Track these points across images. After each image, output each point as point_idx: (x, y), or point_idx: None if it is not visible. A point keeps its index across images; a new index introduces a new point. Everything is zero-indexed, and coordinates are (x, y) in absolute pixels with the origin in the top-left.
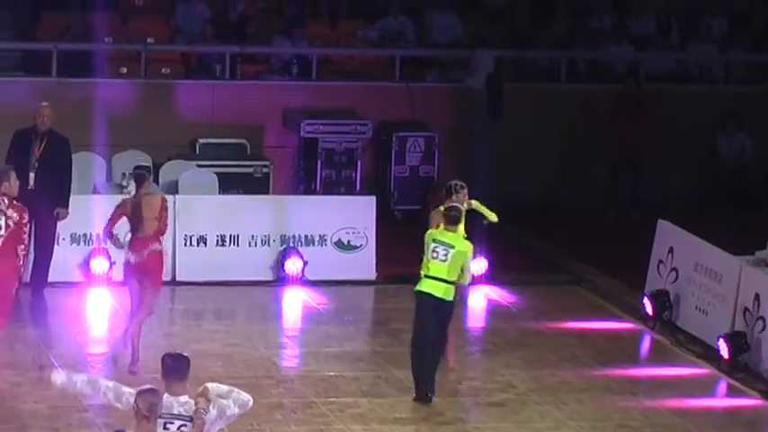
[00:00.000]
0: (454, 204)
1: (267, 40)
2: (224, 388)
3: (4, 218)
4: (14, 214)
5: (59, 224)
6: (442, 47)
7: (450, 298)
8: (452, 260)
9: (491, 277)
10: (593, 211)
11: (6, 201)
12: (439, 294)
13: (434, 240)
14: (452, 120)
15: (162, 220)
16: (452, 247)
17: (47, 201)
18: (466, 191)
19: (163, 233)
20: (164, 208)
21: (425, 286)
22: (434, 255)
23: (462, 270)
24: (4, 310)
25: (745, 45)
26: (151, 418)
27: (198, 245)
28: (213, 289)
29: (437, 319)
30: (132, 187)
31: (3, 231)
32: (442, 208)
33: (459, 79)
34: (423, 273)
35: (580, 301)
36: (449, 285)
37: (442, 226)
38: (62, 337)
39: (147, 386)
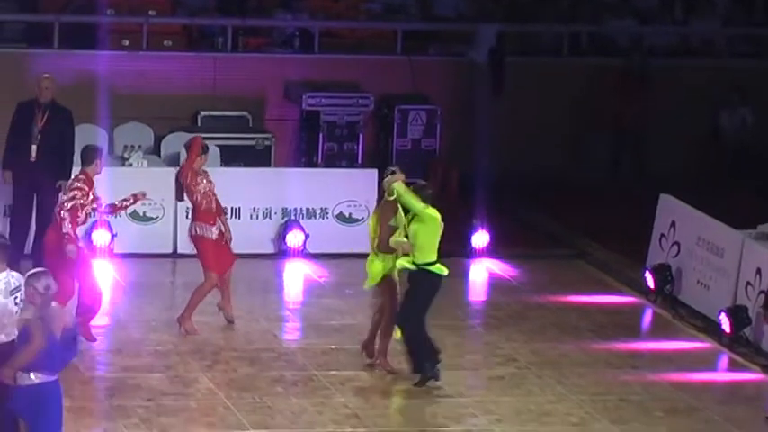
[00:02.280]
0: (424, 184)
1: (269, 13)
2: None
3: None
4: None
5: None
6: (445, 20)
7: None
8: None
9: (493, 251)
10: (595, 186)
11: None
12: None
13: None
14: (454, 93)
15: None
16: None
17: (49, 173)
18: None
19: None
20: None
21: (439, 269)
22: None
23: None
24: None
25: (748, 19)
26: (47, 295)
27: None
28: None
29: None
30: (135, 159)
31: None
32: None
33: (462, 53)
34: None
35: (582, 274)
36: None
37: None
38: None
39: (37, 269)
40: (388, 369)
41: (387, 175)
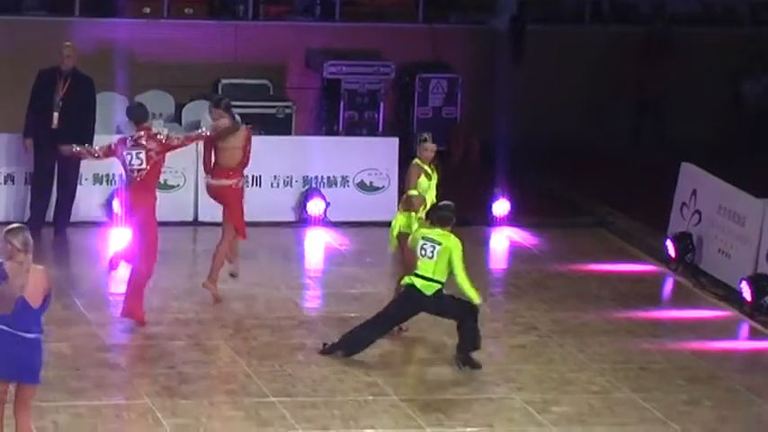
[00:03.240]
0: (447, 203)
1: None
2: None
3: (144, 151)
4: (154, 145)
5: (82, 164)
6: None
7: (430, 292)
8: (439, 257)
9: (513, 219)
10: (616, 154)
11: (144, 134)
12: (428, 293)
13: (423, 237)
14: (475, 61)
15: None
16: (440, 243)
17: (70, 140)
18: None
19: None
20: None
21: (422, 286)
22: (422, 252)
23: (451, 265)
24: (152, 252)
25: None
26: (27, 250)
27: None
28: None
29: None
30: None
31: (145, 165)
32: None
33: (483, 21)
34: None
35: (602, 243)
36: (440, 286)
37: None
38: (84, 277)
39: (14, 225)
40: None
41: (419, 142)
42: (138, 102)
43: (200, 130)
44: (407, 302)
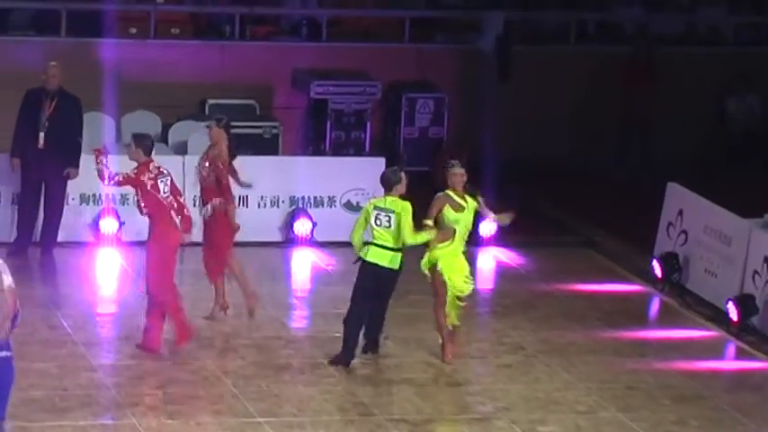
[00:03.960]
0: (393, 167)
1: (277, 2)
2: None
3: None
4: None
5: (69, 184)
6: (452, 8)
7: (396, 267)
8: (396, 225)
9: (500, 239)
10: (602, 174)
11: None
12: (384, 263)
13: (375, 207)
14: (462, 81)
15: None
16: (393, 211)
17: (56, 160)
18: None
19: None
20: None
21: (372, 255)
22: (378, 222)
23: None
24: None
25: (755, 7)
26: None
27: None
28: None
29: (382, 289)
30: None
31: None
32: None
33: (469, 41)
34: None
35: (589, 263)
36: (395, 253)
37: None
38: (71, 297)
39: None
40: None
41: (447, 168)
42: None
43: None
44: (367, 276)
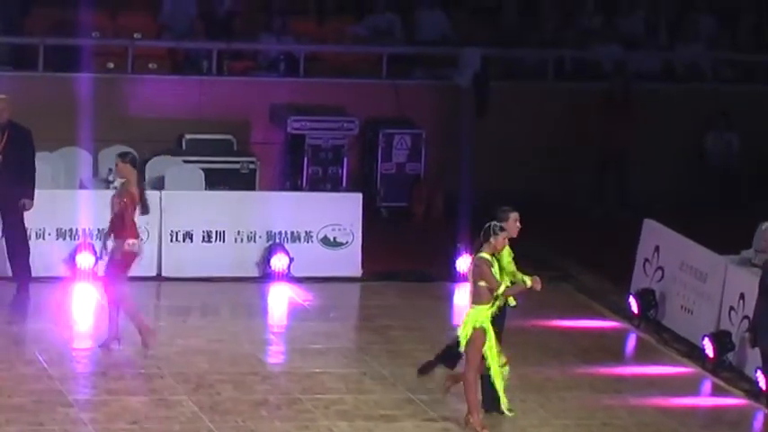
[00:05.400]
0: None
1: (254, 37)
2: None
3: None
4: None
5: (46, 218)
6: (430, 44)
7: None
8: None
9: None
10: (579, 210)
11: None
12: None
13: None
14: (439, 117)
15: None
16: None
17: (13, 193)
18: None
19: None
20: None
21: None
22: None
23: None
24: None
25: (733, 44)
26: None
27: (184, 240)
28: (199, 285)
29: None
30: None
31: None
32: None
33: (447, 77)
34: None
35: (566, 299)
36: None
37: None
38: (47, 332)
39: None
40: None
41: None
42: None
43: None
44: None
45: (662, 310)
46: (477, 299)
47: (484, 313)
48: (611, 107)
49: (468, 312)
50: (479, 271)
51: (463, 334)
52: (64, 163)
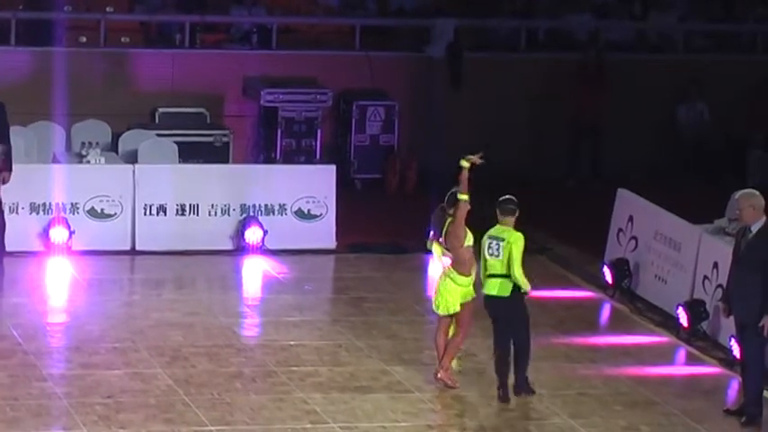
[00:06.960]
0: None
1: (227, 10)
2: None
3: None
4: None
5: (20, 193)
6: (403, 16)
7: (506, 294)
8: (504, 253)
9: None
10: (553, 181)
11: None
12: (493, 292)
13: (489, 237)
14: (412, 89)
15: None
16: (503, 239)
17: None
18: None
19: None
20: None
21: (485, 287)
22: (489, 252)
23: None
24: None
25: (706, 14)
26: None
27: (158, 214)
28: (173, 258)
29: (501, 318)
30: (93, 156)
31: None
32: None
33: (420, 48)
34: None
35: (540, 269)
36: (504, 280)
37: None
38: (21, 307)
39: None
40: (449, 384)
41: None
42: None
43: None
44: (486, 308)
45: (636, 279)
46: (459, 267)
47: (467, 288)
48: (584, 77)
49: (447, 281)
50: (461, 213)
51: (444, 305)
52: (37, 137)
